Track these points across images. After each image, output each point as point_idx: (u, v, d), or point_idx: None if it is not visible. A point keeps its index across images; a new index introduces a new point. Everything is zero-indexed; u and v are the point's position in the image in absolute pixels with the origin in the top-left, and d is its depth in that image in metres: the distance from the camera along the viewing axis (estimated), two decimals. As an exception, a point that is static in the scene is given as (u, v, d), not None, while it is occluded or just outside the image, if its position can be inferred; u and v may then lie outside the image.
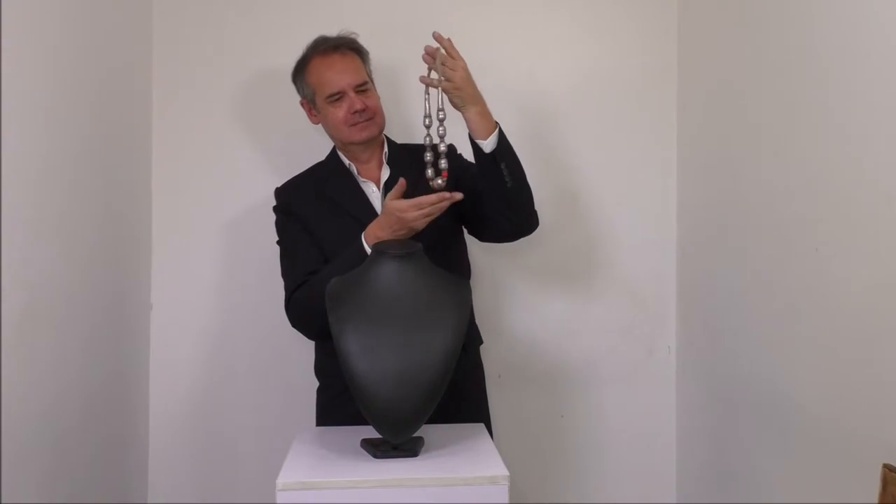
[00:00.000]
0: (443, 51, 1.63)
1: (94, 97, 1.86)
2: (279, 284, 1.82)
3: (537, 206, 1.80)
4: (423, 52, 1.64)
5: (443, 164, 1.62)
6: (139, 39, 2.15)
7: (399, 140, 1.95)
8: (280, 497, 1.33)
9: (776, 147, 1.75)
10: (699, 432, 2.17)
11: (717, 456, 2.05)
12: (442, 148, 1.61)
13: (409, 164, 1.83)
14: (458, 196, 1.63)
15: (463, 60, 1.64)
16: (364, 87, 1.83)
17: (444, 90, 1.61)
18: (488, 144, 1.65)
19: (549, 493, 2.27)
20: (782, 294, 1.72)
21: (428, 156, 1.61)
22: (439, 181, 1.62)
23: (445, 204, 1.63)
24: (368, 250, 1.65)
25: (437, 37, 1.64)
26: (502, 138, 1.68)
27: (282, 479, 1.35)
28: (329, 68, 1.83)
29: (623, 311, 2.28)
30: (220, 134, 2.21)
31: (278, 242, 1.86)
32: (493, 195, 1.70)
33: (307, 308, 1.73)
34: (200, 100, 2.21)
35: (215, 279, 2.22)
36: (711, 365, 2.09)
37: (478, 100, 1.66)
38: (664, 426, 2.29)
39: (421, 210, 1.62)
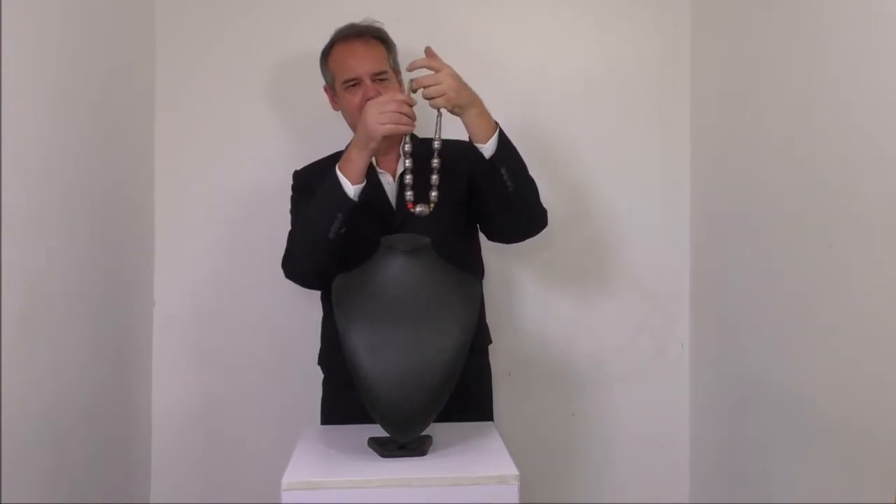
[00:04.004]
0: (424, 71, 1.57)
1: (96, 96, 1.84)
2: (283, 284, 1.78)
3: (548, 204, 1.77)
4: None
5: (433, 195, 1.60)
6: (141, 38, 2.14)
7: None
8: (285, 497, 1.31)
9: (789, 143, 1.73)
10: (712, 431, 2.15)
11: (731, 455, 2.03)
12: (434, 180, 1.59)
13: (427, 157, 1.80)
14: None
15: (448, 67, 1.57)
16: (383, 77, 1.78)
17: (438, 106, 1.56)
18: (488, 149, 1.60)
19: (560, 493, 2.24)
20: (796, 291, 1.70)
21: (434, 177, 1.60)
22: (419, 208, 1.59)
23: (407, 109, 1.58)
24: (341, 177, 1.62)
25: (427, 52, 1.59)
26: (503, 139, 1.62)
27: (287, 479, 1.33)
28: (349, 54, 1.79)
29: (635, 308, 2.26)
30: (222, 132, 2.20)
31: (292, 222, 1.81)
32: (495, 198, 1.66)
33: (305, 244, 1.68)
34: (203, 98, 2.19)
35: (218, 277, 2.20)
36: (725, 363, 2.07)
37: (474, 101, 1.59)
38: (677, 425, 2.26)
39: (379, 108, 1.57)
